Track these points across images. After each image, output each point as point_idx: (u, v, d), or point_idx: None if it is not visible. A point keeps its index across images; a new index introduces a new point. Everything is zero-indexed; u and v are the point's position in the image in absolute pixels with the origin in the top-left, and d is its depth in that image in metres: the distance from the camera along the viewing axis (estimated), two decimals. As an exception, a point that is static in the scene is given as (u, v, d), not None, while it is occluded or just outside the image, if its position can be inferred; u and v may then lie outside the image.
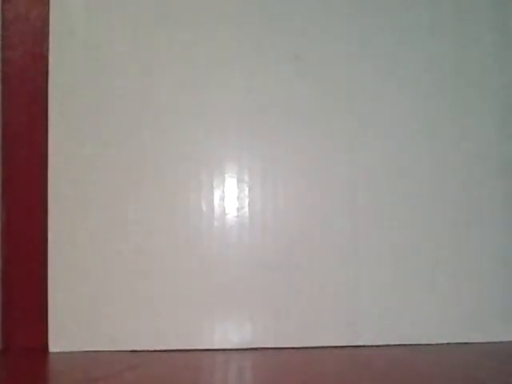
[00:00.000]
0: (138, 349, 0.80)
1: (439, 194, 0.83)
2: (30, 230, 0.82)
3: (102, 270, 0.80)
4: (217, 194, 0.82)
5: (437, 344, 0.81)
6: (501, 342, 0.82)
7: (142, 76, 0.82)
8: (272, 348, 0.81)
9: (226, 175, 0.83)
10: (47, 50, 0.82)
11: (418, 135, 0.84)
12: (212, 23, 0.83)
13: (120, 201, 0.81)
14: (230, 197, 0.82)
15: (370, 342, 0.81)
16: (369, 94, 0.84)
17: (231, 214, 0.82)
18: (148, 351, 0.79)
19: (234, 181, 0.82)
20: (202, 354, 0.79)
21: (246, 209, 0.82)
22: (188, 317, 0.81)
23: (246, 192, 0.82)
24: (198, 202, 0.82)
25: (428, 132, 0.84)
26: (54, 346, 0.80)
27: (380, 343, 0.81)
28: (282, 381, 0.68)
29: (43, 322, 0.80)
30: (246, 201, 0.82)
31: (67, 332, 0.80)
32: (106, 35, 0.83)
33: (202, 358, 0.78)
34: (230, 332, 0.81)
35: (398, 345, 0.81)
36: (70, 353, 0.79)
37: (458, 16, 0.85)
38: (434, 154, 0.84)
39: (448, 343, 0.82)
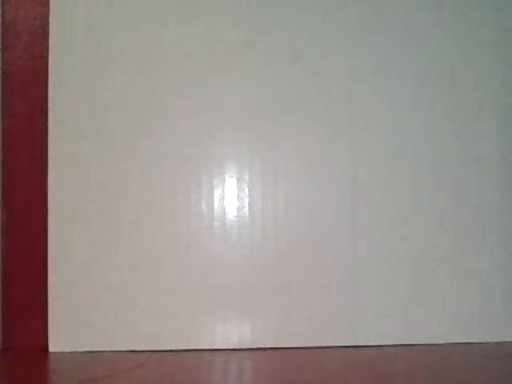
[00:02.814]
0: (137, 349, 0.80)
1: (439, 194, 0.83)
2: (30, 229, 0.82)
3: (101, 270, 0.80)
4: (217, 193, 0.82)
5: (437, 344, 0.81)
6: (501, 342, 0.82)
7: (142, 76, 0.82)
8: (272, 348, 0.81)
9: (226, 175, 0.83)
10: (47, 50, 0.82)
11: (419, 135, 0.84)
12: (212, 23, 0.83)
13: (120, 201, 0.81)
14: (230, 196, 0.82)
15: (370, 342, 0.81)
16: (369, 94, 0.84)
17: (231, 213, 0.82)
18: (148, 351, 0.79)
19: (234, 181, 0.83)
20: (201, 354, 0.79)
21: (246, 208, 0.82)
22: (188, 317, 0.81)
23: (246, 192, 0.82)
24: (198, 201, 0.82)
25: (428, 132, 0.84)
26: (53, 346, 0.80)
27: (380, 343, 0.81)
28: (282, 381, 0.68)
29: (43, 322, 0.80)
30: (246, 200, 0.82)
31: (67, 332, 0.80)
32: (106, 35, 0.83)
33: (201, 358, 0.78)
34: (229, 332, 0.81)
35: (398, 345, 0.81)
36: (70, 353, 0.79)
37: (460, 16, 0.85)
38: (434, 153, 0.84)
39: (448, 343, 0.82)
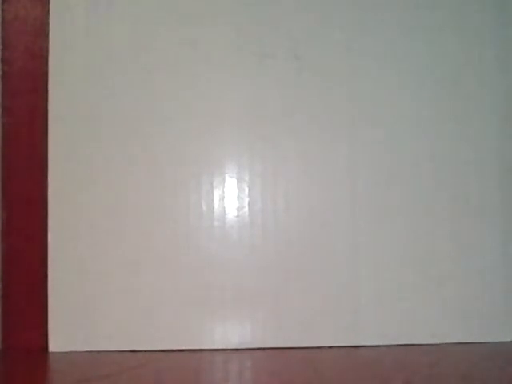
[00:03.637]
0: (137, 349, 0.80)
1: (439, 194, 0.83)
2: (30, 229, 0.82)
3: (101, 270, 0.80)
4: (217, 193, 0.82)
5: (437, 344, 0.81)
6: (501, 342, 0.82)
7: (142, 76, 0.82)
8: (272, 348, 0.81)
9: (226, 175, 0.83)
10: (47, 50, 0.82)
11: (419, 135, 0.84)
12: (212, 23, 0.83)
13: (120, 201, 0.81)
14: (230, 196, 0.82)
15: (370, 342, 0.81)
16: (369, 94, 0.84)
17: (231, 213, 0.82)
18: (148, 351, 0.79)
19: (234, 181, 0.82)
20: (202, 354, 0.79)
21: (246, 208, 0.82)
22: (188, 317, 0.81)
23: (246, 192, 0.82)
24: (198, 201, 0.82)
25: (428, 132, 0.84)
26: (53, 346, 0.80)
27: (380, 343, 0.81)
28: (282, 381, 0.68)
29: (43, 322, 0.80)
30: (246, 200, 0.82)
31: (67, 332, 0.80)
32: (106, 35, 0.83)
33: (201, 358, 0.78)
34: (229, 332, 0.81)
35: (398, 345, 0.81)
36: (70, 353, 0.79)
37: (460, 16, 0.85)
38: (434, 153, 0.84)
39: (448, 343, 0.82)
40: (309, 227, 0.82)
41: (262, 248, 0.82)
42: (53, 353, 0.79)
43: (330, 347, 0.81)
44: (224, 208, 0.82)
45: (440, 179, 0.84)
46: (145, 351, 0.79)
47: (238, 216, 0.82)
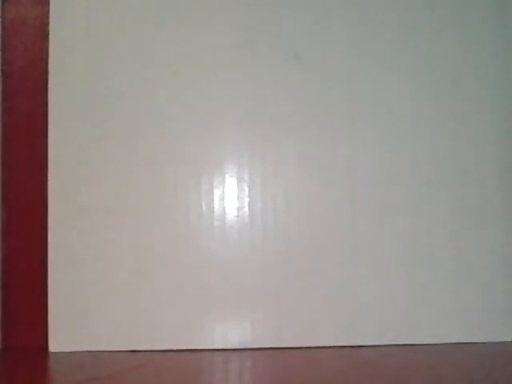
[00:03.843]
0: (137, 349, 0.80)
1: (439, 194, 0.83)
2: (30, 230, 0.82)
3: (101, 270, 0.80)
4: (217, 193, 0.82)
5: (436, 344, 0.81)
6: (501, 342, 0.82)
7: (142, 76, 0.82)
8: (272, 348, 0.81)
9: (226, 175, 0.83)
10: (47, 50, 0.82)
11: (419, 135, 0.84)
12: (212, 23, 0.83)
13: (120, 201, 0.81)
14: (230, 196, 0.82)
15: (370, 342, 0.81)
16: (369, 94, 0.84)
17: (231, 213, 0.82)
18: (148, 351, 0.79)
19: (234, 180, 0.83)
20: (201, 354, 0.79)
21: (246, 208, 0.82)
22: (188, 317, 0.81)
23: (246, 192, 0.82)
24: (198, 201, 0.82)
25: (428, 132, 0.84)
26: (53, 346, 0.80)
27: (380, 343, 0.81)
28: (281, 381, 0.68)
29: (43, 321, 0.80)
30: (246, 200, 0.82)
31: (67, 332, 0.80)
32: (106, 35, 0.83)
33: (201, 358, 0.78)
34: (229, 332, 0.81)
35: (398, 345, 0.81)
36: (70, 353, 0.79)
37: (460, 16, 0.85)
38: (434, 153, 0.84)
39: (448, 343, 0.82)
40: (309, 227, 0.82)
41: (262, 248, 0.82)
42: (53, 353, 0.79)
43: (330, 347, 0.81)
44: (224, 208, 0.82)
45: (440, 179, 0.84)
46: (145, 351, 0.79)
47: (238, 216, 0.82)
